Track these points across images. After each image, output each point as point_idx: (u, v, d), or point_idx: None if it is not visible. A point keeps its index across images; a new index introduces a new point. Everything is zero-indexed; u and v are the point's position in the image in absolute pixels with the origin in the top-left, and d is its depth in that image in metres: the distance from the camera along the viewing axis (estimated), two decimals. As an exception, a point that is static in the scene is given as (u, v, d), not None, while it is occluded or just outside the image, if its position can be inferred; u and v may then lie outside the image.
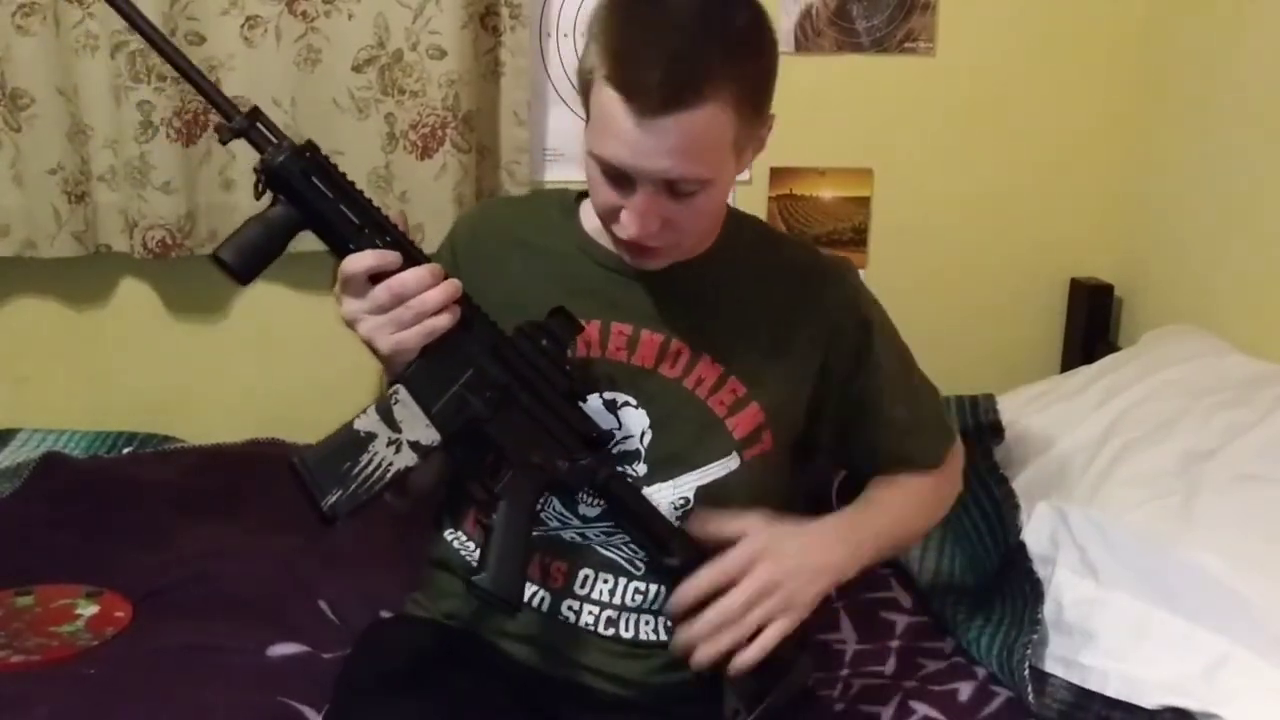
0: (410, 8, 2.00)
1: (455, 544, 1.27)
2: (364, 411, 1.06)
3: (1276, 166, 1.82)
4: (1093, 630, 1.34)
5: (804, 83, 2.09)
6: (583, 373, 1.19)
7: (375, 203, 1.08)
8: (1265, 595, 1.27)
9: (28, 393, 2.21)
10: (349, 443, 1.05)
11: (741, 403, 1.22)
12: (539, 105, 2.14)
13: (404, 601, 1.34)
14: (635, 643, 1.22)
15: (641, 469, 1.21)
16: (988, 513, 1.62)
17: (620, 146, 1.06)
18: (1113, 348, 2.15)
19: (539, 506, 1.17)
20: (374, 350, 1.06)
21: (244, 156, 2.04)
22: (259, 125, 1.05)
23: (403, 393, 1.06)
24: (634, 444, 1.22)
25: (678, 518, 1.21)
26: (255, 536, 1.70)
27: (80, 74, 1.98)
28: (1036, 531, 1.49)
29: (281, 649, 1.44)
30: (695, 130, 1.04)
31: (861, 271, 1.38)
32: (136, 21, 1.04)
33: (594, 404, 1.20)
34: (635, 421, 1.22)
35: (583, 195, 1.26)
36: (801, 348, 1.24)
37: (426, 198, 2.06)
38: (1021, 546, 1.46)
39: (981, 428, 1.75)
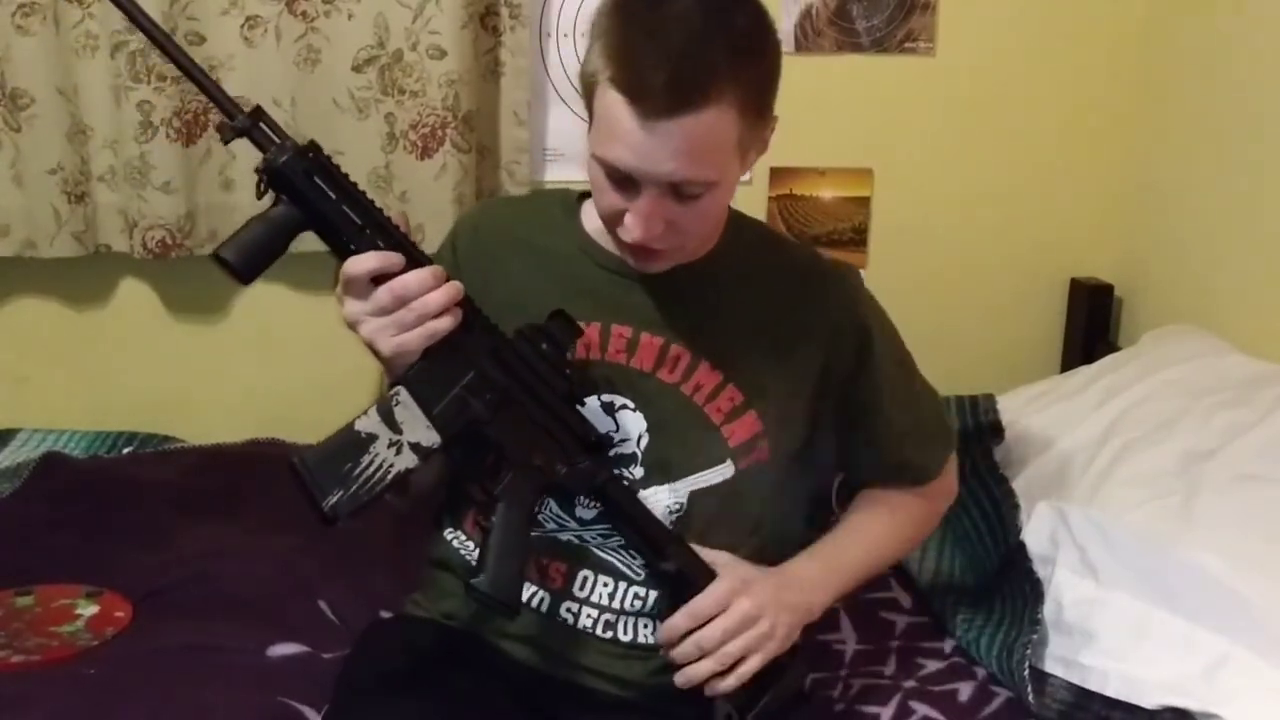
0: (410, 8, 2.00)
1: (455, 544, 1.27)
2: (365, 412, 1.06)
3: (1276, 166, 1.82)
4: (1093, 630, 1.34)
5: (804, 83, 2.07)
6: (582, 375, 1.19)
7: (376, 204, 1.08)
8: (1265, 595, 1.27)
9: (28, 393, 2.21)
10: (350, 443, 1.05)
11: (739, 410, 1.22)
12: (539, 105, 2.14)
13: (404, 601, 1.34)
14: (633, 645, 1.22)
15: (638, 472, 1.22)
16: (988, 513, 1.62)
17: (625, 149, 1.05)
18: (1113, 348, 2.15)
19: (537, 509, 1.17)
20: (375, 352, 1.06)
21: (244, 156, 2.04)
22: (262, 125, 1.04)
23: (404, 394, 1.06)
24: (630, 447, 1.22)
25: (672, 522, 1.21)
26: (255, 536, 1.70)
27: (80, 74, 1.99)
28: (1036, 531, 1.49)
29: (281, 649, 1.44)
30: (700, 132, 1.04)
31: (861, 271, 1.37)
32: (139, 20, 1.04)
33: (592, 406, 1.20)
34: (633, 425, 1.22)
35: (584, 195, 1.25)
36: (802, 351, 1.24)
37: (426, 198, 2.06)
38: (1021, 546, 1.46)
39: (981, 428, 1.75)
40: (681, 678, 1.15)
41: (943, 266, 2.27)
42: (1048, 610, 1.38)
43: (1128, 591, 1.35)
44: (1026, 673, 1.32)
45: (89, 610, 1.52)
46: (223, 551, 1.65)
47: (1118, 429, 1.69)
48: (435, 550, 1.30)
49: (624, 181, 1.08)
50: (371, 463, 1.04)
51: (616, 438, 1.21)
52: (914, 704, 1.36)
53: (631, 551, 1.21)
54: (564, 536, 1.22)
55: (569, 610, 1.21)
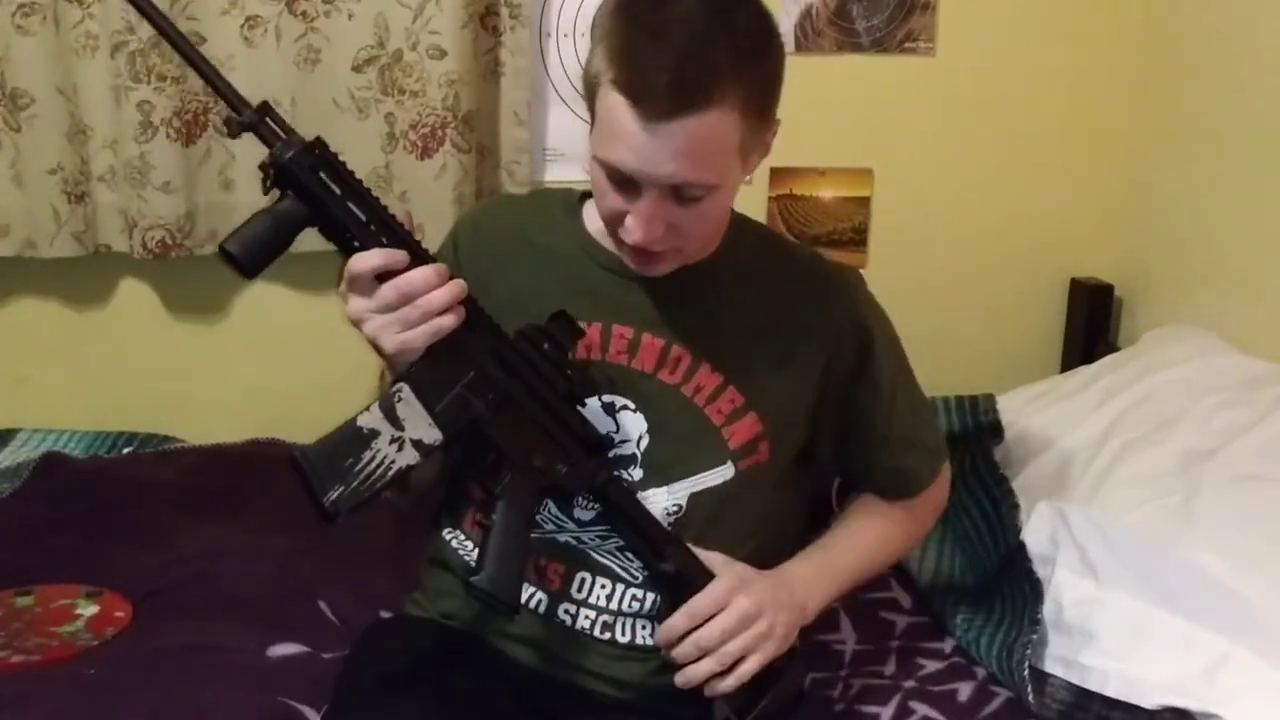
0: (410, 8, 2.00)
1: (454, 544, 1.27)
2: (367, 409, 1.06)
3: (1276, 167, 1.82)
4: (1093, 630, 1.34)
5: (804, 83, 2.07)
6: (583, 376, 1.19)
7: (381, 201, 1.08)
8: (1265, 595, 1.27)
9: (28, 393, 2.21)
10: (352, 439, 1.04)
11: (739, 412, 1.22)
12: (539, 105, 2.14)
13: (404, 601, 1.34)
14: (631, 646, 1.22)
15: (637, 473, 1.21)
16: (988, 513, 1.62)
17: (627, 151, 1.05)
18: (1113, 348, 2.15)
19: (537, 509, 1.17)
20: (378, 349, 1.06)
21: (244, 156, 2.05)
22: (268, 120, 1.05)
23: (406, 391, 1.06)
24: (630, 448, 1.22)
25: (671, 524, 1.21)
26: (255, 536, 1.70)
27: (80, 74, 1.98)
28: (1036, 531, 1.49)
29: (281, 649, 1.44)
30: (702, 134, 1.04)
31: (862, 272, 1.37)
32: (151, 14, 1.04)
33: (593, 406, 1.20)
34: (633, 426, 1.22)
35: (586, 195, 1.25)
36: (803, 353, 1.24)
37: (426, 198, 2.06)
38: (1021, 546, 1.46)
39: (981, 428, 1.75)
40: (681, 678, 1.15)
41: (943, 266, 2.27)
42: (1047, 610, 1.38)
43: (1128, 591, 1.35)
44: (1026, 673, 1.32)
45: (89, 610, 1.52)
46: (223, 551, 1.65)
47: (1118, 429, 1.69)
48: (434, 550, 1.30)
49: (625, 183, 1.08)
50: (373, 459, 1.04)
51: (617, 438, 1.21)
52: (914, 704, 1.36)
53: (629, 554, 1.20)
54: (562, 538, 1.22)
55: (567, 611, 1.21)
